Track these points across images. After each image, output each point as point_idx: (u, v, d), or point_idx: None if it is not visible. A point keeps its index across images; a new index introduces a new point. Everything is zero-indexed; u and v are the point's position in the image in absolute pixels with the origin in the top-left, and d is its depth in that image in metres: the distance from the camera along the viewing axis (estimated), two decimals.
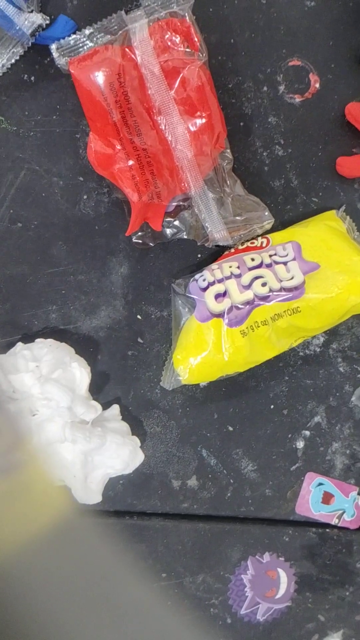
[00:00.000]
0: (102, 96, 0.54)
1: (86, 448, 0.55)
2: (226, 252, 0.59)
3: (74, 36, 0.55)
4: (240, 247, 0.58)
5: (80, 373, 0.56)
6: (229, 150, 0.57)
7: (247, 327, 0.56)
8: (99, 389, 0.60)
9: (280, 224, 0.61)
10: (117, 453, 0.56)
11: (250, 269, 0.56)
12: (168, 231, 0.58)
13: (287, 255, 0.57)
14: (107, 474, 0.57)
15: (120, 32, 0.54)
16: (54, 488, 0.53)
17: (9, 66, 0.57)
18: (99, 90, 0.54)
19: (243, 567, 0.63)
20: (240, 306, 0.56)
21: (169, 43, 0.53)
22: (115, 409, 0.59)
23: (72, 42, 0.55)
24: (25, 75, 0.58)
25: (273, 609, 0.63)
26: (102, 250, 0.60)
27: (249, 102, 0.60)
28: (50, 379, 0.55)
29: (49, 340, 0.57)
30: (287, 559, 0.63)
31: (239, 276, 0.56)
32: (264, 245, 0.58)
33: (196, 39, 0.54)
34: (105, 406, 0.59)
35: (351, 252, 0.57)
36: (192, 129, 0.54)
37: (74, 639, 0.40)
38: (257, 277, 0.56)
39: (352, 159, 0.60)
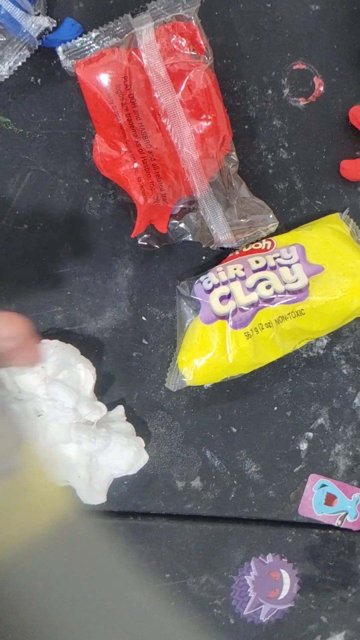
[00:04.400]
0: (108, 99, 0.54)
1: (91, 449, 0.55)
2: (231, 255, 0.59)
3: (80, 39, 0.55)
4: (244, 250, 0.59)
5: (85, 374, 0.56)
6: (234, 153, 0.57)
7: (251, 329, 0.56)
8: (103, 390, 0.60)
9: (285, 227, 0.61)
10: (122, 454, 0.57)
11: (255, 271, 0.56)
12: (173, 233, 0.58)
13: (291, 257, 0.57)
14: (112, 475, 0.58)
15: (127, 35, 0.54)
16: (56, 489, 0.53)
17: (16, 69, 0.57)
18: (105, 92, 0.54)
19: (246, 568, 0.63)
20: (244, 308, 0.56)
21: (175, 46, 0.54)
22: (120, 409, 0.60)
23: (78, 44, 0.55)
24: (32, 78, 0.58)
25: (276, 610, 0.64)
26: (107, 252, 0.60)
27: (254, 105, 0.60)
28: (55, 379, 0.55)
29: (55, 341, 0.58)
30: (290, 560, 0.63)
31: (243, 278, 0.56)
32: (268, 247, 0.58)
33: (202, 42, 0.54)
34: (110, 407, 0.59)
35: (355, 255, 0.58)
36: (198, 131, 0.54)
37: (77, 639, 0.40)
38: (261, 280, 0.56)
39: (356, 162, 0.60)
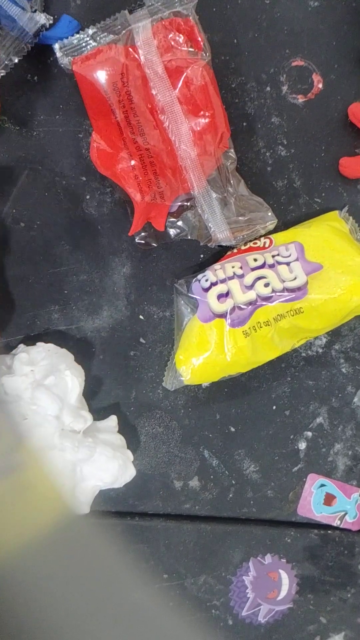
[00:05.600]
0: (105, 96, 0.54)
1: (74, 458, 0.54)
2: (229, 253, 0.59)
3: (77, 36, 0.55)
4: (243, 248, 0.58)
5: (71, 382, 0.55)
6: (232, 150, 0.57)
7: (249, 328, 0.56)
8: (100, 390, 0.60)
9: (283, 225, 0.60)
10: (106, 466, 0.55)
11: (253, 269, 0.56)
12: (171, 231, 0.58)
13: (289, 255, 0.57)
14: (97, 486, 0.56)
15: (124, 31, 0.54)
16: (54, 489, 0.53)
17: (12, 66, 0.57)
18: (102, 89, 0.54)
19: (245, 569, 0.63)
20: (242, 306, 0.56)
21: (173, 43, 0.53)
22: (112, 420, 0.58)
23: (75, 41, 0.55)
24: (29, 75, 0.58)
25: (274, 610, 0.63)
26: (104, 250, 0.60)
27: (252, 102, 0.60)
28: (41, 385, 0.54)
29: (50, 344, 0.57)
30: (289, 560, 0.63)
31: (241, 276, 0.56)
32: (266, 245, 0.58)
33: (200, 39, 0.54)
34: (106, 409, 0.59)
35: (354, 252, 0.57)
36: (196, 128, 0.54)
37: (76, 639, 0.40)
38: (259, 278, 0.56)
39: (355, 160, 0.60)
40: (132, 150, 0.55)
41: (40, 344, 0.57)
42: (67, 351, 0.57)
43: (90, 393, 0.59)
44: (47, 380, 0.54)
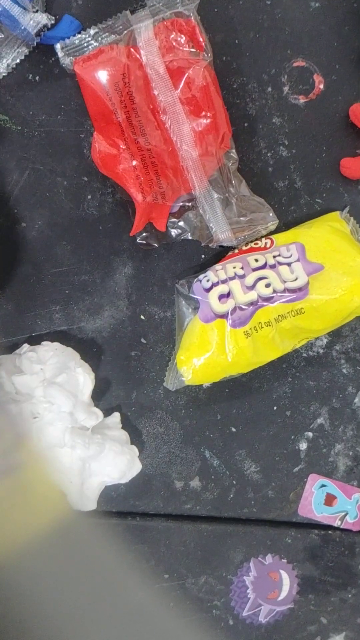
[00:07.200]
0: (106, 96, 0.54)
1: (84, 454, 0.54)
2: (230, 253, 0.59)
3: (78, 36, 0.55)
4: (244, 248, 0.58)
5: (84, 379, 0.56)
6: (234, 150, 0.57)
7: (250, 328, 0.56)
8: (101, 390, 0.60)
9: (284, 225, 0.61)
10: (115, 461, 0.56)
11: (254, 269, 0.56)
12: (172, 232, 0.58)
13: (291, 256, 0.57)
14: (104, 482, 0.57)
15: (125, 32, 0.54)
16: (55, 489, 0.53)
17: (14, 66, 0.57)
18: (104, 90, 0.54)
19: (245, 569, 0.63)
20: (244, 307, 0.56)
21: (174, 43, 0.53)
22: (115, 416, 0.59)
23: (77, 41, 0.55)
24: (30, 75, 0.58)
25: (275, 610, 0.63)
26: (106, 250, 0.60)
27: (254, 103, 0.60)
28: (53, 382, 0.55)
29: (55, 343, 0.57)
30: (290, 560, 0.63)
31: (242, 277, 0.56)
32: (267, 246, 0.58)
33: (201, 39, 0.54)
34: (108, 410, 0.59)
35: (355, 253, 0.57)
36: (197, 129, 0.54)
37: (76, 638, 0.40)
38: (261, 278, 0.56)
39: (356, 160, 0.60)
40: (134, 150, 0.55)
41: (46, 343, 0.57)
42: (73, 350, 0.57)
43: (92, 392, 0.59)
44: (58, 378, 0.55)
